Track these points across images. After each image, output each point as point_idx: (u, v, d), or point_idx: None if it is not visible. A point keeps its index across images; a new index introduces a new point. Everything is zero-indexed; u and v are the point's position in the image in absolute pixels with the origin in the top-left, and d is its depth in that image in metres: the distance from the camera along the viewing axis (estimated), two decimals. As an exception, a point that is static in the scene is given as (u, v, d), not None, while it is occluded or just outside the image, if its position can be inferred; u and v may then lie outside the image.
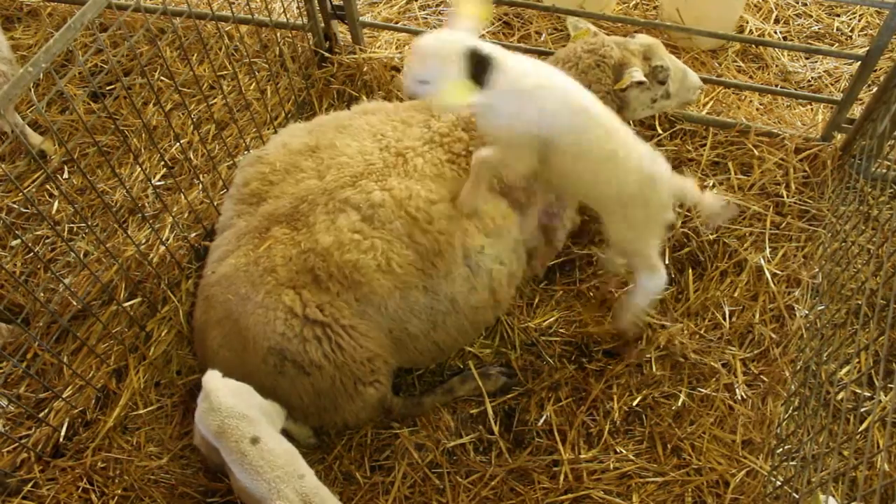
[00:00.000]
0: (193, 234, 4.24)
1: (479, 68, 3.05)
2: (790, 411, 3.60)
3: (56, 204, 4.56)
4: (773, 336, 3.95)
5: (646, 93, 3.86)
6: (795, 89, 5.16)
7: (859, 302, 3.33)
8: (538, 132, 3.23)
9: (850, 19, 5.64)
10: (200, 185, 4.40)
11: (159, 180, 4.65)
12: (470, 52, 3.01)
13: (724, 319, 4.04)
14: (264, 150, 3.84)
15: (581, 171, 3.39)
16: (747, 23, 5.56)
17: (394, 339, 3.51)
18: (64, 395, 3.68)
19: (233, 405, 2.97)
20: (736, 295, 4.10)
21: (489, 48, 3.11)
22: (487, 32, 5.53)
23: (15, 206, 4.58)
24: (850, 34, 5.54)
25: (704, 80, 4.52)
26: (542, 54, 5.10)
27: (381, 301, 3.40)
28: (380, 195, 3.42)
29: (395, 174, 3.51)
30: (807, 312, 4.00)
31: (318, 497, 2.90)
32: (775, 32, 5.54)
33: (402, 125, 3.74)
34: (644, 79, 3.72)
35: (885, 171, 4.29)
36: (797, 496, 3.01)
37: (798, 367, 3.78)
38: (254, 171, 3.73)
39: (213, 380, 3.06)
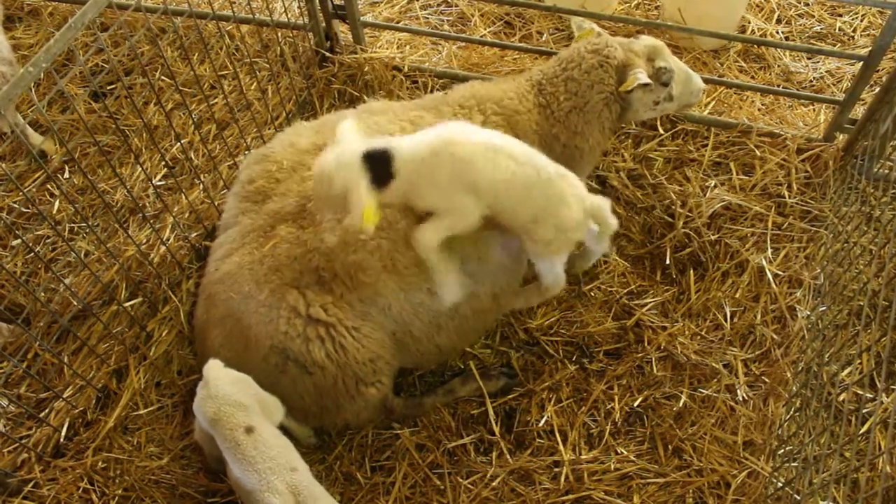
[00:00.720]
0: (194, 234, 4.24)
1: (378, 165, 3.10)
2: (792, 412, 3.60)
3: (57, 204, 4.56)
4: (775, 337, 3.94)
5: (649, 94, 3.84)
6: (797, 89, 5.16)
7: (861, 303, 3.33)
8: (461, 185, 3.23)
9: (853, 19, 5.63)
10: (201, 185, 4.40)
11: (160, 180, 4.65)
12: (365, 156, 3.07)
13: (726, 320, 4.03)
14: (270, 147, 3.82)
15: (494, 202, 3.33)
16: (749, 23, 5.55)
17: (396, 340, 3.51)
18: (64, 396, 3.67)
19: (230, 393, 2.99)
20: (737, 296, 4.09)
21: (380, 142, 3.16)
22: (489, 32, 5.53)
23: (16, 205, 4.57)
24: (852, 34, 5.53)
25: (706, 81, 4.52)
26: (544, 54, 5.11)
27: (385, 302, 3.39)
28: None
29: None
30: (808, 313, 4.00)
31: (309, 492, 2.90)
32: (777, 32, 5.53)
33: (410, 126, 3.72)
34: (649, 80, 3.70)
35: (887, 171, 4.28)
36: (798, 497, 3.00)
37: (800, 368, 3.77)
38: (260, 169, 3.72)
39: (213, 368, 3.08)
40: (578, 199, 3.37)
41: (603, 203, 3.48)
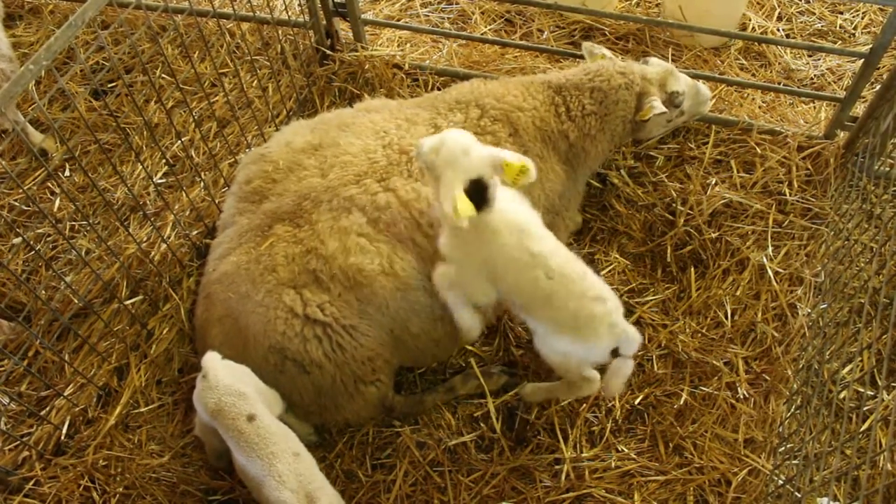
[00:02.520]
0: (195, 232, 4.24)
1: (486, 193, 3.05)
2: (792, 410, 3.60)
3: (58, 202, 4.56)
4: (776, 334, 3.94)
5: (661, 117, 3.97)
6: (798, 87, 5.15)
7: (862, 300, 3.32)
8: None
9: (854, 17, 5.63)
10: (202, 183, 4.40)
11: (161, 178, 4.65)
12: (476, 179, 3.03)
13: (727, 318, 4.03)
14: (267, 147, 3.84)
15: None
16: (750, 20, 5.54)
17: (395, 337, 3.51)
18: (65, 393, 3.68)
19: (230, 383, 3.02)
20: (738, 293, 4.09)
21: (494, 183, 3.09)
22: (490, 30, 5.53)
23: (17, 203, 4.57)
24: (853, 32, 5.52)
25: (707, 78, 4.53)
26: (545, 52, 5.11)
27: (383, 301, 3.40)
28: (384, 197, 3.42)
29: (397, 173, 3.51)
30: (809, 311, 3.99)
31: (312, 477, 2.97)
32: (778, 30, 5.52)
33: (406, 123, 3.74)
34: (664, 109, 3.87)
35: (888, 169, 4.28)
36: (799, 495, 3.00)
37: (800, 366, 3.77)
38: (256, 169, 3.73)
39: (212, 360, 3.09)
40: (609, 327, 3.20)
41: (633, 338, 3.24)
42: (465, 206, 2.94)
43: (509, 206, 3.17)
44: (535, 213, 3.29)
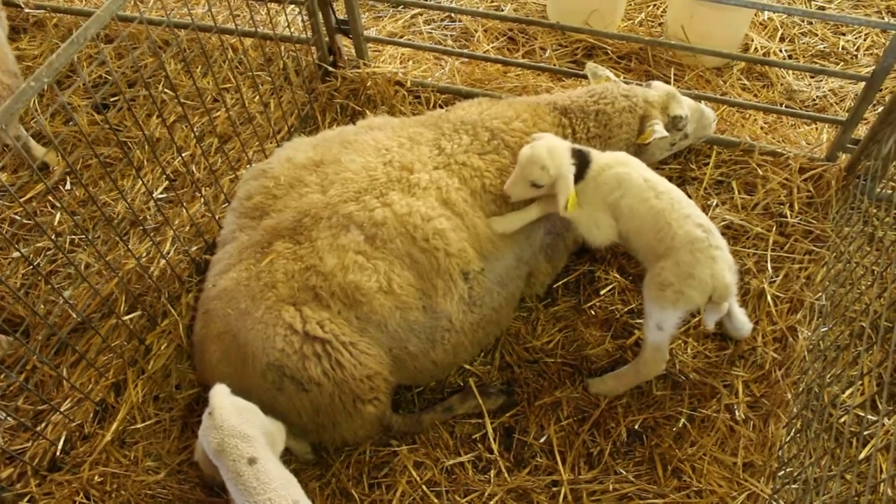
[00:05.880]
0: (194, 248, 4.23)
1: (581, 165, 3.55)
2: (792, 434, 3.57)
3: (58, 216, 4.56)
4: (776, 357, 3.92)
5: (665, 140, 4.00)
6: (800, 108, 5.16)
7: (863, 324, 3.31)
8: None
9: (856, 38, 5.64)
10: (202, 199, 4.39)
11: (161, 193, 4.65)
12: (575, 152, 3.55)
13: (727, 340, 4.02)
14: (268, 163, 3.83)
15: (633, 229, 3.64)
16: (752, 41, 5.55)
17: (393, 357, 3.50)
18: (62, 409, 3.66)
19: (235, 424, 2.94)
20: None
21: (582, 148, 3.63)
22: (493, 48, 5.54)
23: (17, 217, 4.57)
24: (855, 53, 5.53)
25: (709, 99, 4.53)
26: (547, 70, 5.12)
27: (382, 320, 3.39)
28: (381, 213, 3.42)
29: (397, 188, 3.51)
30: (810, 334, 3.98)
31: None
32: (780, 51, 5.53)
33: (409, 142, 3.74)
34: (666, 133, 3.91)
35: (890, 192, 4.27)
36: (799, 521, 2.98)
37: (801, 390, 3.75)
38: (257, 185, 3.73)
39: (219, 395, 3.03)
40: (719, 263, 3.45)
41: (728, 282, 3.48)
42: (574, 199, 3.51)
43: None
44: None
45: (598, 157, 3.63)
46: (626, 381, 3.82)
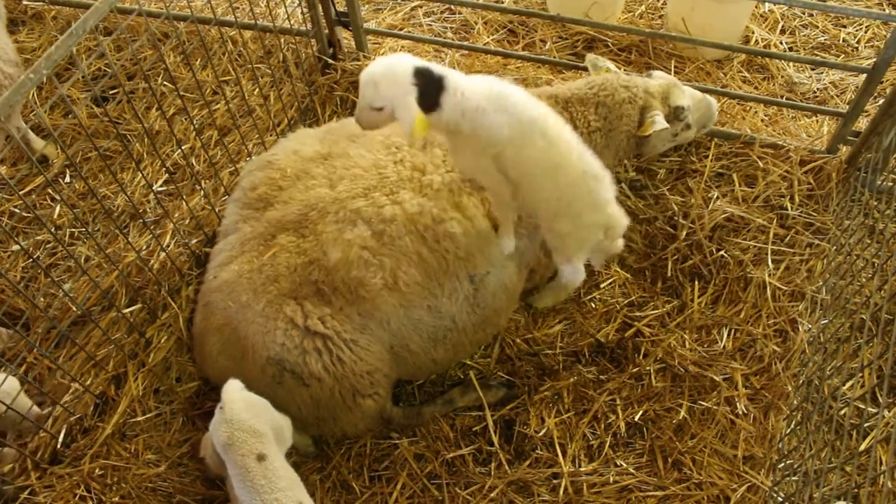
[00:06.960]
0: (194, 241, 4.22)
1: (429, 88, 2.95)
2: (792, 426, 3.58)
3: (58, 209, 4.55)
4: (776, 350, 3.92)
5: (666, 131, 3.96)
6: (801, 101, 5.14)
7: (864, 317, 3.31)
8: (487, 144, 3.12)
9: (857, 31, 5.62)
10: (202, 192, 4.38)
11: (161, 186, 4.64)
12: (418, 72, 2.92)
13: (727, 332, 4.02)
14: (274, 154, 3.81)
15: (521, 179, 3.27)
16: (753, 33, 5.54)
17: (394, 353, 3.49)
18: (62, 402, 3.65)
19: (245, 419, 2.94)
20: (739, 308, 4.07)
21: (439, 69, 3.00)
22: (493, 40, 5.52)
23: (17, 210, 4.56)
24: (856, 45, 5.52)
25: (710, 91, 4.51)
26: (547, 63, 5.10)
27: (385, 317, 3.38)
28: (391, 210, 3.39)
29: (409, 188, 3.49)
30: (810, 326, 3.98)
31: None
32: (781, 43, 5.52)
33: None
34: (666, 124, 3.86)
35: (890, 184, 4.27)
36: (799, 513, 2.98)
37: (801, 382, 3.75)
38: (263, 176, 3.70)
39: (232, 391, 3.03)
40: (606, 203, 3.42)
41: (623, 222, 3.53)
42: (421, 123, 2.90)
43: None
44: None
45: (461, 81, 3.05)
46: (558, 296, 4.02)
